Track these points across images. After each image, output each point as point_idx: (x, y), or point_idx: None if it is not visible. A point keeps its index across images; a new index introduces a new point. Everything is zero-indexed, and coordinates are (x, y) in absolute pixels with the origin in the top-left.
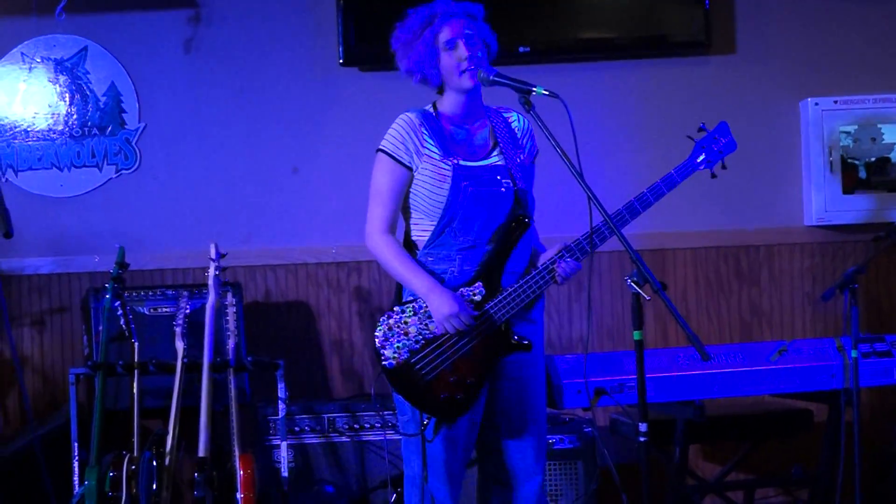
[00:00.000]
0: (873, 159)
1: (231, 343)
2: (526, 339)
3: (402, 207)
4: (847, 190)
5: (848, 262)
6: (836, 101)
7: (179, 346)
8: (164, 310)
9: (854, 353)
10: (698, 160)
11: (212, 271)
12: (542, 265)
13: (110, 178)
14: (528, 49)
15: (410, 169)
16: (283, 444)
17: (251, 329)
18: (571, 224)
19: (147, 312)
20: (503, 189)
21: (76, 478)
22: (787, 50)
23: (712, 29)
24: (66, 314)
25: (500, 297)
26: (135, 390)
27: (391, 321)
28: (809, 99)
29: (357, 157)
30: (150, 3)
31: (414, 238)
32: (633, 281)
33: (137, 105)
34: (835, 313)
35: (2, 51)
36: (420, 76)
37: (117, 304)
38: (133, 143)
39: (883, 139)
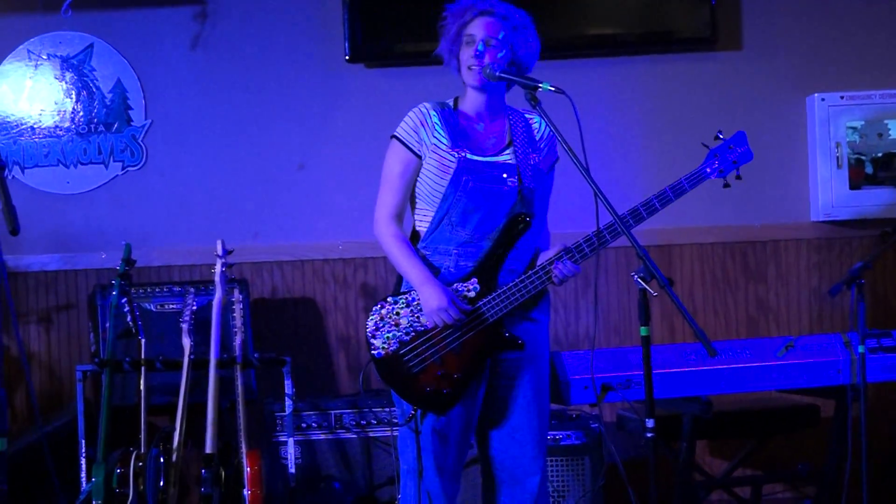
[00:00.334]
0: (880, 155)
1: (238, 339)
2: (520, 337)
3: (410, 197)
4: (854, 185)
5: (855, 258)
6: (842, 97)
7: (186, 342)
8: (171, 306)
9: (861, 349)
10: (710, 169)
11: (218, 268)
12: (539, 265)
13: (116, 175)
14: None
15: (420, 157)
16: (290, 441)
17: (258, 325)
18: (578, 220)
19: (154, 309)
20: (506, 187)
21: (83, 474)
22: (793, 46)
23: (718, 25)
24: (72, 311)
25: (494, 295)
26: (142, 387)
27: (383, 311)
28: (816, 95)
29: (363, 153)
30: (156, 0)
31: (417, 229)
32: (639, 277)
33: (143, 102)
34: (841, 309)
35: (8, 48)
36: (446, 61)
37: (124, 300)
38: (139, 140)
39: (889, 135)
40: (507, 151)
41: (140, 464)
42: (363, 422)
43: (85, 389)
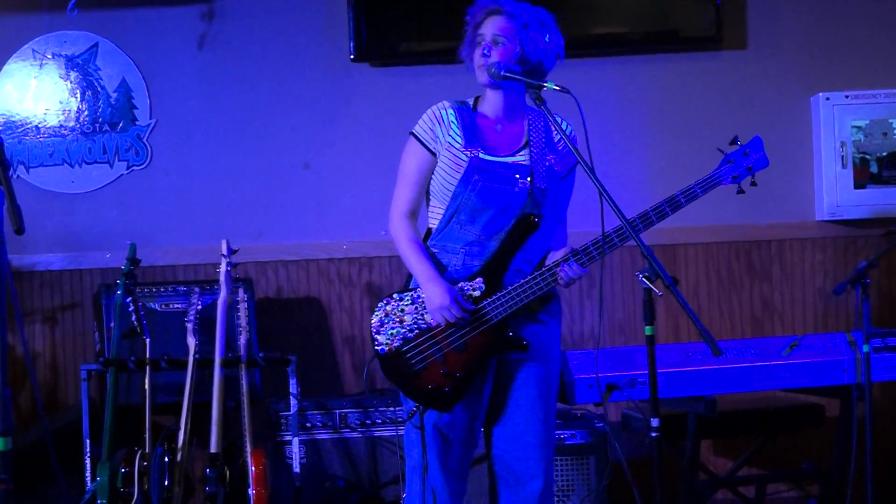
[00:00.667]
0: (885, 154)
1: (242, 339)
2: (524, 338)
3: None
4: (858, 185)
5: (859, 257)
6: (847, 97)
7: (191, 341)
8: (176, 306)
9: (866, 348)
10: (724, 174)
11: (223, 267)
12: (545, 266)
13: (121, 175)
14: None
15: (434, 155)
16: (295, 440)
17: (262, 325)
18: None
19: (159, 308)
20: (517, 187)
21: (88, 473)
22: (798, 45)
23: (724, 24)
24: (77, 310)
25: (499, 295)
26: (146, 386)
27: (388, 307)
28: (821, 94)
29: (368, 152)
30: (162, 0)
31: (430, 225)
32: (644, 276)
33: (148, 101)
34: (846, 308)
35: (13, 47)
36: (466, 64)
37: (129, 300)
38: (144, 140)
39: (894, 134)
40: (523, 152)
41: (145, 463)
42: (368, 421)
43: (90, 389)
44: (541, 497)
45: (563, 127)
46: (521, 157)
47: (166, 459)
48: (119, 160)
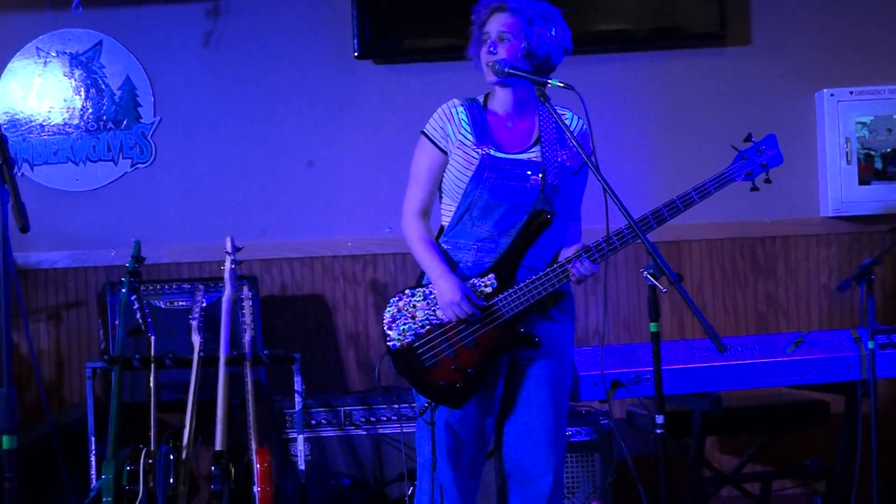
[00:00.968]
0: (889, 150)
1: (247, 336)
2: (535, 335)
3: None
4: (863, 181)
5: (864, 253)
6: (851, 92)
7: (196, 339)
8: (181, 303)
9: (871, 345)
10: (737, 171)
11: (228, 265)
12: (557, 263)
13: (126, 172)
14: None
15: (446, 153)
16: (300, 438)
17: (267, 322)
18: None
19: (163, 306)
20: (529, 184)
21: (93, 471)
22: (802, 41)
23: (727, 20)
24: (82, 308)
25: (511, 291)
26: (151, 384)
27: (400, 303)
28: (825, 90)
29: (372, 149)
30: None
31: (442, 223)
32: (649, 273)
33: (153, 99)
34: (851, 304)
35: (17, 45)
36: (474, 63)
37: (133, 298)
38: (148, 137)
39: None
40: (534, 149)
41: (150, 461)
42: (373, 418)
43: (95, 387)
44: (550, 495)
45: (575, 122)
46: (533, 154)
47: (171, 457)
48: (123, 158)
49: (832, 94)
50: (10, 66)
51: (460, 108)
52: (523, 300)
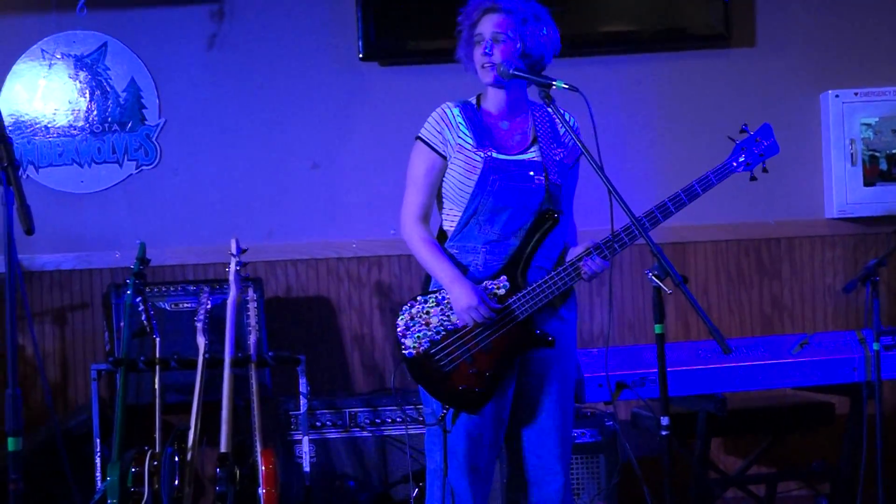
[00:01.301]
0: (894, 151)
1: (252, 338)
2: (550, 335)
3: (437, 197)
4: (868, 182)
5: (869, 255)
6: (856, 94)
7: (201, 341)
8: (186, 305)
9: (876, 346)
10: (737, 162)
11: (233, 266)
12: (567, 262)
13: (131, 174)
14: None
15: (445, 158)
16: (305, 439)
17: (272, 324)
18: (597, 218)
19: (168, 308)
20: (534, 185)
21: (98, 473)
22: (807, 42)
23: (732, 21)
24: (87, 310)
25: (524, 292)
26: (156, 386)
27: (413, 311)
28: (830, 91)
29: (377, 151)
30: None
31: (445, 228)
32: (654, 274)
33: (157, 101)
34: (856, 306)
35: (22, 47)
36: (464, 65)
37: (139, 299)
38: (153, 139)
39: None
40: (533, 149)
41: (155, 463)
42: (378, 420)
43: (100, 388)
44: (564, 493)
45: (567, 119)
46: (533, 154)
47: (176, 459)
48: (128, 160)
49: (837, 96)
50: (14, 68)
51: (455, 111)
52: (537, 300)
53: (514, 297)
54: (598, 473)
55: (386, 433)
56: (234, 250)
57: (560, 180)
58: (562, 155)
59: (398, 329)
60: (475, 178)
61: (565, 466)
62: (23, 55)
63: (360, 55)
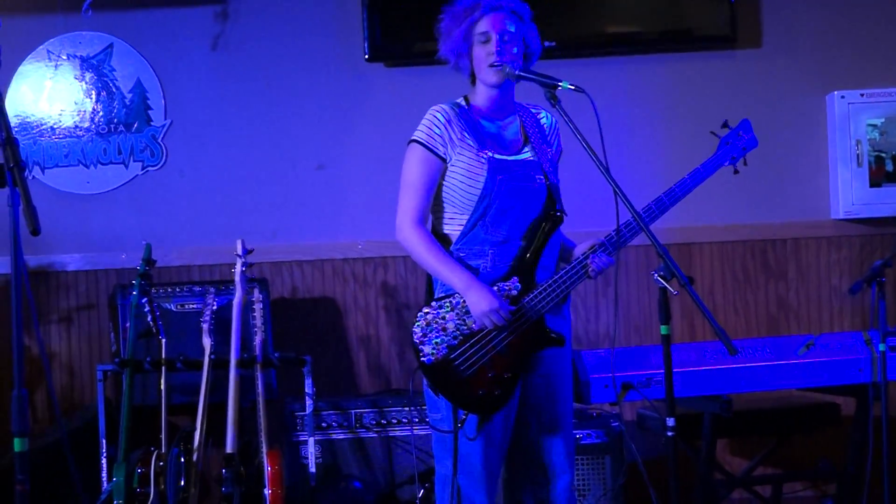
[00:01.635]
0: None
1: (258, 339)
2: (560, 333)
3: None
4: (874, 183)
5: (875, 256)
6: (862, 95)
7: (207, 342)
8: (192, 306)
9: (882, 347)
10: (724, 156)
11: (238, 267)
12: (575, 260)
13: (136, 175)
14: (553, 44)
15: (445, 160)
16: (311, 440)
17: (278, 325)
18: (598, 219)
19: (174, 309)
20: (536, 184)
21: (104, 474)
22: (813, 43)
23: (738, 23)
24: (93, 311)
25: (536, 292)
26: (162, 387)
27: (429, 317)
28: (836, 92)
29: (383, 152)
30: (177, 0)
31: (446, 232)
32: (659, 275)
33: (163, 102)
34: (862, 307)
35: (28, 48)
36: (454, 63)
37: (144, 300)
38: (159, 140)
39: None
40: (526, 149)
41: (161, 463)
42: (384, 421)
43: (106, 389)
44: (570, 491)
45: (549, 118)
46: (527, 154)
47: (182, 460)
48: (134, 161)
49: (843, 97)
50: (21, 69)
51: (452, 113)
52: (548, 300)
53: (528, 298)
54: (603, 474)
55: (392, 434)
56: (239, 251)
57: (556, 179)
58: (551, 153)
59: (415, 336)
60: (482, 179)
61: (572, 464)
62: (29, 56)
63: (366, 56)
